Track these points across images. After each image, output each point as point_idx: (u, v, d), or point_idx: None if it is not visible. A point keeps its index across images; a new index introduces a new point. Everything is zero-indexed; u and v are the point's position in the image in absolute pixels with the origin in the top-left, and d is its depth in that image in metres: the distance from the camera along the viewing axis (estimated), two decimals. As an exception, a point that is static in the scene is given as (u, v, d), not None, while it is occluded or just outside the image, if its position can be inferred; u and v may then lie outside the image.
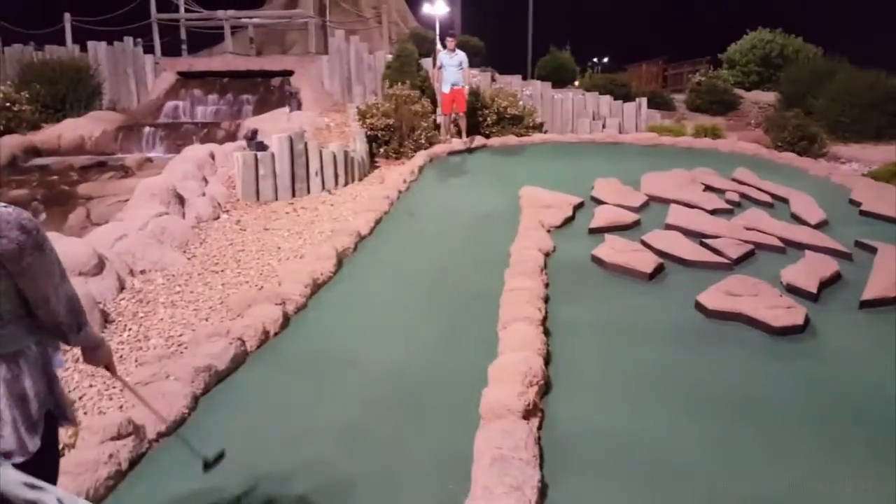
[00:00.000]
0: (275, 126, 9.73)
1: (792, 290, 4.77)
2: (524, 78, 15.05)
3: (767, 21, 18.96)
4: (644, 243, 5.72)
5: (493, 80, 13.74)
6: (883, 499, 2.64)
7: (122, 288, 4.92)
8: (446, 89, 10.40)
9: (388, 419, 3.26)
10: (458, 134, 10.94)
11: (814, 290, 4.72)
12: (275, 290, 4.70)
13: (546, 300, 4.57)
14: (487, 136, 11.31)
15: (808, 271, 4.98)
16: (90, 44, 14.28)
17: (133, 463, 2.84)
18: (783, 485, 2.72)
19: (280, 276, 5.16)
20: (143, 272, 5.28)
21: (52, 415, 1.76)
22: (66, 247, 4.65)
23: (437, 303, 4.74)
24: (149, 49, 15.35)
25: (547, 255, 5.53)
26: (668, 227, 6.19)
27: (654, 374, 3.69)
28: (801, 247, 5.68)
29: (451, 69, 10.32)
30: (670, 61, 21.66)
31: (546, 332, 4.03)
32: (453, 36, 10.84)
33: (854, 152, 10.50)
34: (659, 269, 5.21)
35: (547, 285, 4.86)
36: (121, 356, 3.97)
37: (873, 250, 5.58)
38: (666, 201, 7.05)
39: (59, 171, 8.94)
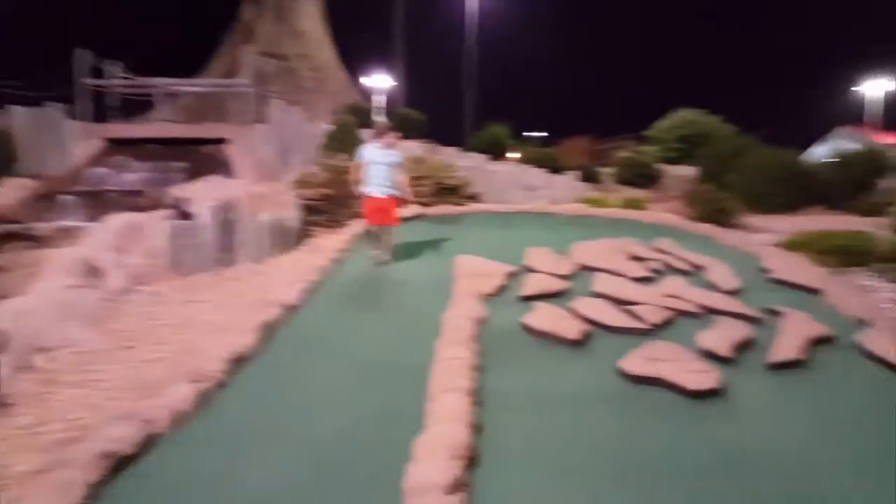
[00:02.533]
0: (206, 194, 9.57)
1: (707, 354, 4.94)
2: (462, 150, 15.50)
3: (689, 102, 20.39)
4: (572, 310, 5.83)
5: (433, 152, 14.09)
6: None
7: (23, 367, 4.58)
8: (373, 192, 7.73)
9: (310, 499, 3.11)
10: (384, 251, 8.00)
11: (727, 354, 4.93)
12: (193, 366, 4.49)
13: (477, 369, 4.55)
14: (425, 206, 11.48)
15: (721, 336, 5.19)
16: (9, 108, 13.81)
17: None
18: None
19: (199, 351, 4.95)
20: (48, 350, 4.94)
21: None
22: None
23: (366, 377, 4.63)
24: (74, 115, 15.02)
25: (479, 323, 5.55)
26: (596, 294, 6.36)
27: (580, 442, 3.71)
28: (716, 312, 5.92)
29: (380, 169, 7.70)
30: (599, 137, 22.75)
31: (476, 403, 4.00)
32: (394, 131, 8.53)
33: (765, 223, 11.18)
34: (585, 336, 5.30)
35: (478, 354, 4.85)
36: (13, 446, 3.63)
37: (780, 315, 5.88)
38: (594, 269, 7.26)
39: (-33, 240, 8.46)
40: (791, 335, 5.28)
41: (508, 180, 13.46)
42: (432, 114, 19.07)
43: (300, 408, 4.14)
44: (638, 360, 4.66)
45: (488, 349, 4.98)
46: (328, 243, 8.70)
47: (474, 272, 7.03)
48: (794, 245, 8.72)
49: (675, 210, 11.95)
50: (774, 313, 5.98)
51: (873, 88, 28.99)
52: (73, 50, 16.02)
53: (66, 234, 8.87)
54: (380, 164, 7.72)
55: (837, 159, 13.48)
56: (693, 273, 7.42)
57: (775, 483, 3.30)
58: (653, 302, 6.03)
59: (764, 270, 7.58)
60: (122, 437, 3.45)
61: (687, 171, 16.18)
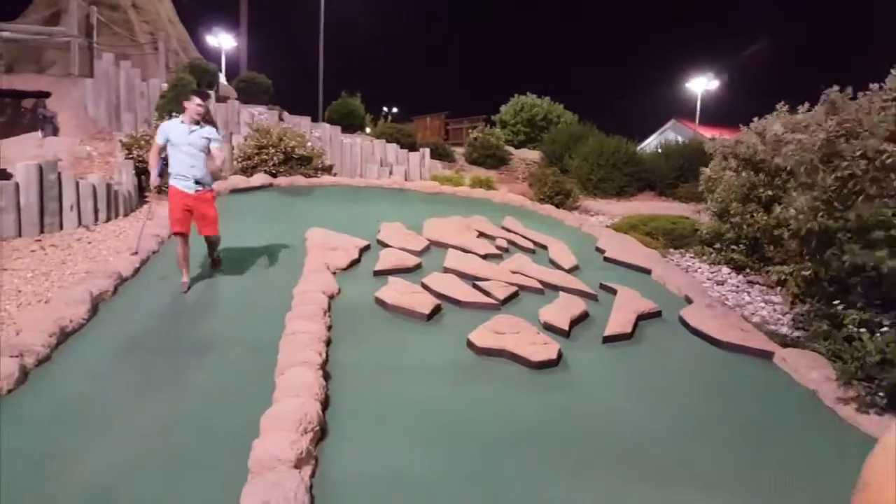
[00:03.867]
0: (24, 153, 8.55)
1: (548, 327, 5.31)
2: (314, 120, 15.07)
3: (537, 88, 21.38)
4: (424, 286, 5.97)
5: (280, 118, 13.55)
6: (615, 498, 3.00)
7: None
8: (178, 185, 5.66)
9: (149, 481, 2.95)
10: (214, 263, 6.27)
11: (566, 327, 5.31)
12: (12, 339, 4.05)
13: (328, 343, 4.53)
14: (274, 176, 11.07)
15: (561, 311, 5.58)
16: None
17: None
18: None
19: (19, 323, 4.47)
20: None
21: None
22: None
23: (208, 351, 4.44)
24: None
25: (331, 297, 5.51)
26: (446, 269, 6.55)
27: (428, 412, 3.83)
28: (556, 289, 6.35)
29: (187, 152, 5.61)
30: (452, 116, 23.25)
31: (326, 376, 3.99)
32: (203, 97, 5.84)
33: (601, 206, 12.10)
34: (436, 310, 5.47)
35: (329, 328, 4.83)
36: None
37: (614, 292, 6.43)
38: (445, 246, 7.47)
39: None
40: (623, 310, 5.80)
41: (363, 154, 13.35)
42: (280, 80, 18.32)
43: (137, 385, 3.89)
44: (485, 333, 4.88)
45: (340, 323, 4.98)
46: (164, 210, 8.11)
47: (326, 245, 6.95)
48: (626, 227, 9.43)
49: (521, 191, 12.53)
50: (609, 290, 6.53)
51: (697, 85, 32.11)
52: None
53: None
54: (184, 147, 5.61)
55: (664, 150, 14.87)
56: (537, 251, 7.88)
57: (605, 446, 3.62)
58: (500, 278, 6.34)
59: (600, 250, 8.19)
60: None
61: (532, 154, 17.02)
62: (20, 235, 6.63)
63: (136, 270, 5.90)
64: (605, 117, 16.76)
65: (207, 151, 5.72)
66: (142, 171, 9.15)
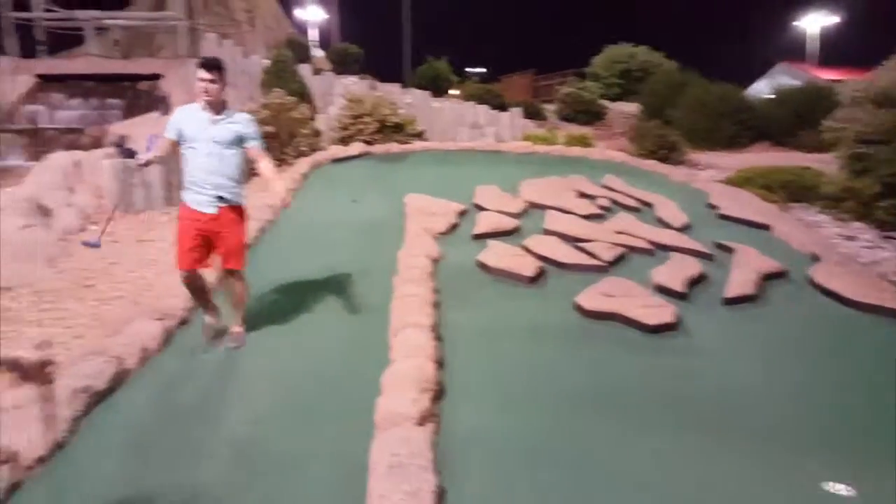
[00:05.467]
0: (145, 132, 9.18)
1: (661, 289, 5.14)
2: (403, 86, 15.21)
3: (628, 37, 20.38)
4: (525, 248, 5.97)
5: (372, 87, 13.77)
6: (734, 472, 2.96)
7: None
8: (191, 202, 4.00)
9: (281, 431, 3.21)
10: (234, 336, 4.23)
11: (681, 289, 5.12)
12: (154, 304, 4.46)
13: (436, 306, 4.66)
14: (370, 144, 11.33)
15: (674, 272, 5.39)
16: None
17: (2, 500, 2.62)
18: (652, 466, 2.98)
19: (158, 290, 4.90)
20: (6, 290, 4.84)
21: None
22: None
23: (325, 312, 4.70)
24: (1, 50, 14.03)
25: (434, 261, 5.63)
26: (547, 232, 6.51)
27: (541, 374, 3.87)
28: (667, 249, 6.13)
29: (207, 151, 3.95)
30: (540, 73, 22.71)
31: (437, 338, 4.12)
32: (216, 70, 3.93)
33: (710, 159, 11.52)
34: (540, 273, 5.47)
35: (436, 291, 4.95)
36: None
37: (731, 251, 6.11)
38: (543, 207, 7.40)
39: None
40: (744, 270, 5.50)
41: (453, 117, 13.34)
42: (369, 49, 18.51)
43: (266, 345, 4.18)
44: (594, 296, 4.83)
45: (445, 287, 5.08)
46: (274, 183, 8.51)
47: (425, 211, 7.07)
48: (740, 181, 8.90)
49: (620, 146, 12.13)
50: (725, 249, 6.19)
51: (811, 23, 29.46)
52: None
53: (10, 173, 8.41)
54: (208, 145, 3.90)
55: (778, 95, 13.80)
56: (642, 210, 7.63)
57: (728, 413, 3.50)
58: (604, 239, 6.21)
59: (712, 206, 7.79)
60: (95, 372, 3.47)
61: (630, 107, 16.39)
62: (150, 209, 7.20)
63: (255, 239, 6.25)
64: (705, 63, 15.75)
65: (238, 151, 3.96)
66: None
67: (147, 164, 4.18)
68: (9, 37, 14.81)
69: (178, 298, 4.54)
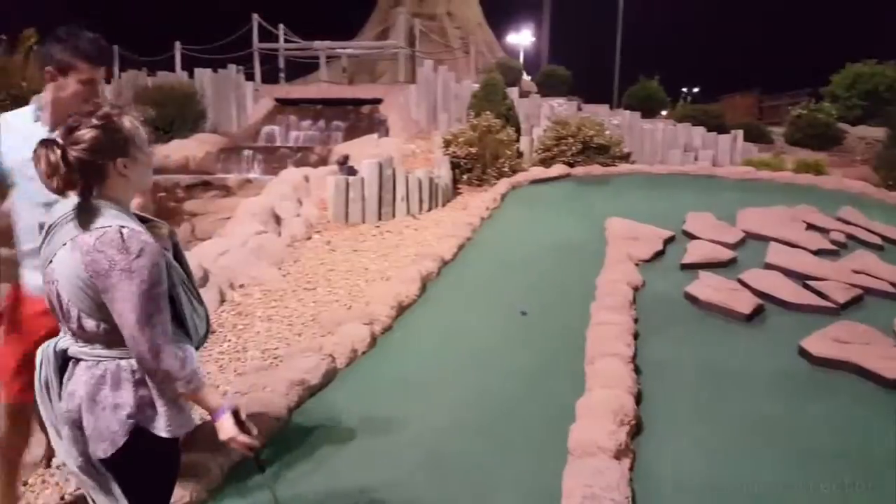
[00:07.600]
0: (364, 152, 10.05)
1: (908, 339, 4.41)
2: (611, 107, 14.89)
3: (878, 53, 17.97)
4: (741, 282, 5.45)
5: (578, 108, 13.65)
6: None
7: (222, 301, 5.19)
8: (30, 280, 2.31)
9: (473, 447, 3.22)
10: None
11: (934, 341, 4.35)
12: (363, 309, 4.81)
13: (635, 336, 4.43)
14: (571, 165, 11.19)
15: (927, 320, 4.60)
16: (197, 70, 15.31)
17: None
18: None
19: (367, 296, 5.27)
20: (241, 286, 5.55)
21: (142, 431, 1.68)
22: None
23: (520, 332, 4.69)
24: (249, 76, 16.30)
25: (636, 289, 5.37)
26: (768, 266, 5.89)
27: (755, 421, 3.49)
28: (917, 293, 5.26)
29: (34, 200, 2.17)
30: (766, 92, 20.90)
31: (636, 370, 3.90)
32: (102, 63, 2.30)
33: (975, 193, 9.67)
34: (758, 311, 4.95)
35: (636, 321, 4.71)
36: (220, 366, 4.18)
37: None
38: (765, 239, 6.71)
39: (166, 188, 9.59)
40: None
41: (664, 139, 12.75)
42: (578, 70, 18.38)
43: (460, 357, 4.29)
44: (823, 341, 4.26)
45: (646, 317, 4.81)
46: (475, 201, 8.77)
47: (627, 235, 6.77)
48: None
49: (861, 175, 10.72)
50: None
51: None
52: (248, 15, 17.24)
53: (249, 185, 9.74)
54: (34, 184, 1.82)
55: None
56: (885, 248, 6.64)
57: None
58: (837, 278, 5.48)
59: (975, 247, 6.60)
60: (310, 368, 3.80)
61: (874, 131, 14.39)
62: (364, 222, 7.82)
63: (454, 256, 6.47)
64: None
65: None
66: (455, 166, 10.05)
67: None
68: (256, 64, 17.16)
69: (385, 306, 4.84)
